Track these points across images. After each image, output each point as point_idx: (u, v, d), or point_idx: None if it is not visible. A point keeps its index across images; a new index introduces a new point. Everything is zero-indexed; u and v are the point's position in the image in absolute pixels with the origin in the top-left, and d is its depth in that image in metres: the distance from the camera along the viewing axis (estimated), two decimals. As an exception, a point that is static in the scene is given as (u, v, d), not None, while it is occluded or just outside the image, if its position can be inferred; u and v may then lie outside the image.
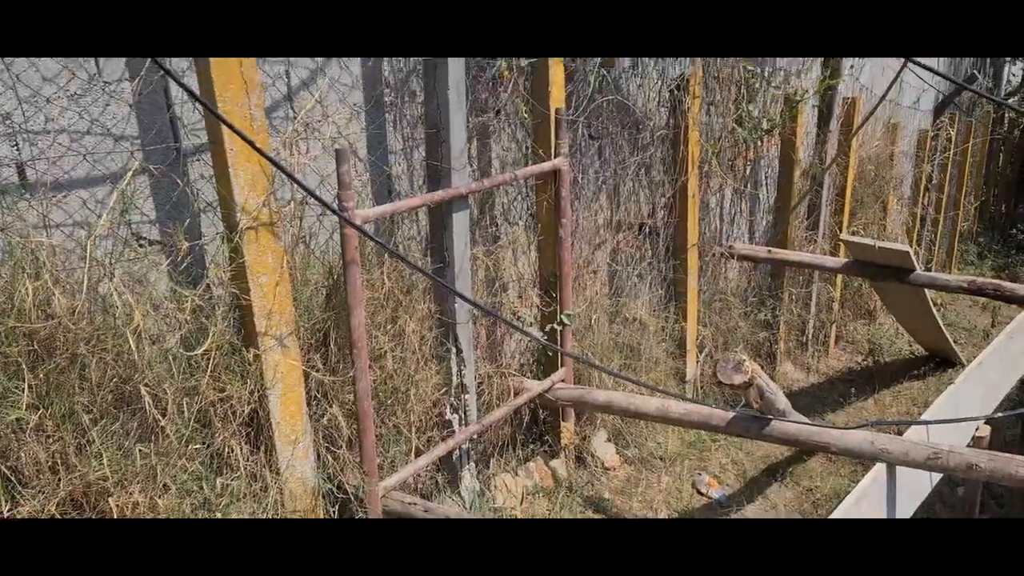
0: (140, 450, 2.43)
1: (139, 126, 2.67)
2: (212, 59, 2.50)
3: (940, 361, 7.12)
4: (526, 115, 4.02)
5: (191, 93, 2.50)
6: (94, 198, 2.59)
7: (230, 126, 2.34)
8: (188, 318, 2.65)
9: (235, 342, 2.79)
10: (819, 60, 6.30)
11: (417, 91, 3.61)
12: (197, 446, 2.63)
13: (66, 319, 2.27)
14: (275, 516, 2.83)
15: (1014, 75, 12.05)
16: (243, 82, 2.59)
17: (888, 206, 7.84)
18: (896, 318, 7.22)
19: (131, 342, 2.40)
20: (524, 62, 3.87)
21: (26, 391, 2.19)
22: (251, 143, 2.44)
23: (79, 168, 2.56)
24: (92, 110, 2.55)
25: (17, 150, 2.39)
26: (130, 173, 2.56)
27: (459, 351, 3.72)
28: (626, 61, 4.57)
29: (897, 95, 7.59)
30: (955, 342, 7.16)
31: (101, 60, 2.52)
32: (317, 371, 3.09)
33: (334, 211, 2.79)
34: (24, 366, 2.21)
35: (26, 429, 2.21)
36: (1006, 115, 11.04)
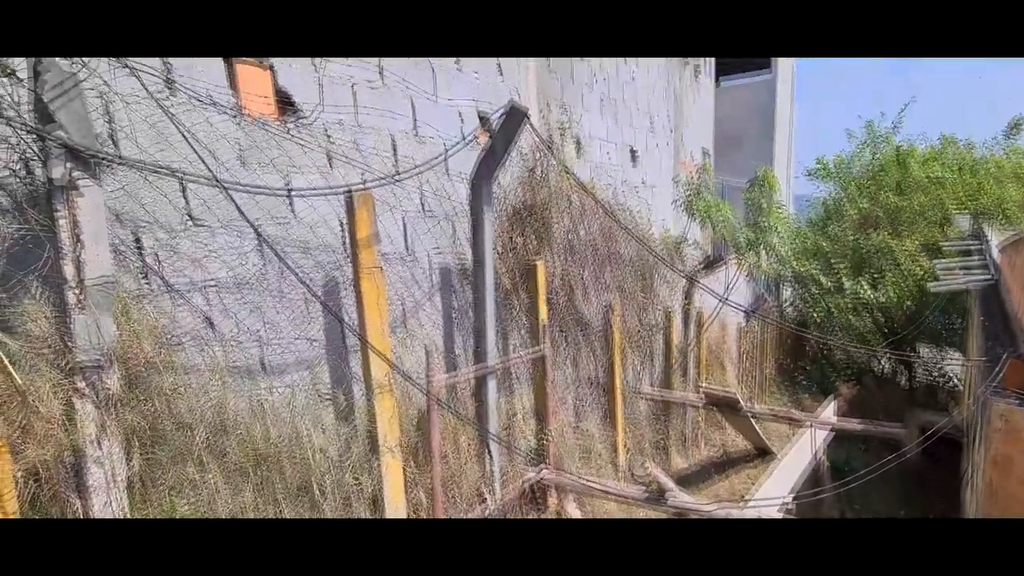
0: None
1: (326, 336, 2.93)
2: (365, 305, 2.78)
3: (763, 453, 7.04)
4: (527, 323, 4.31)
5: (349, 329, 2.77)
6: (299, 374, 2.82)
7: (372, 348, 2.59)
8: (341, 441, 2.80)
9: (366, 455, 2.87)
10: (683, 291, 6.68)
11: (470, 315, 3.90)
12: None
13: (276, 444, 2.42)
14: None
15: (786, 296, 12.48)
16: (379, 311, 2.85)
17: (725, 366, 8.01)
18: (735, 429, 7.20)
19: (309, 455, 2.54)
20: (526, 298, 4.20)
21: (251, 486, 2.31)
22: (383, 357, 2.64)
23: (292, 359, 2.81)
24: (303, 327, 2.84)
25: (262, 351, 2.66)
26: (314, 363, 2.82)
27: (490, 454, 3.79)
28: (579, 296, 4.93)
29: (725, 311, 7.98)
30: (770, 442, 7.11)
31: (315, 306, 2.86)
32: (411, 468, 3.17)
33: (419, 387, 2.99)
34: (250, 471, 2.33)
35: (248, 510, 2.30)
36: (786, 315, 11.41)
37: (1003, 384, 2.99)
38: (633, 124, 6.46)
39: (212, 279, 2.42)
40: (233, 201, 2.12)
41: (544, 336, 4.16)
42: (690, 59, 8.17)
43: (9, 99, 1.76)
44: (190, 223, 2.34)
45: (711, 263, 6.49)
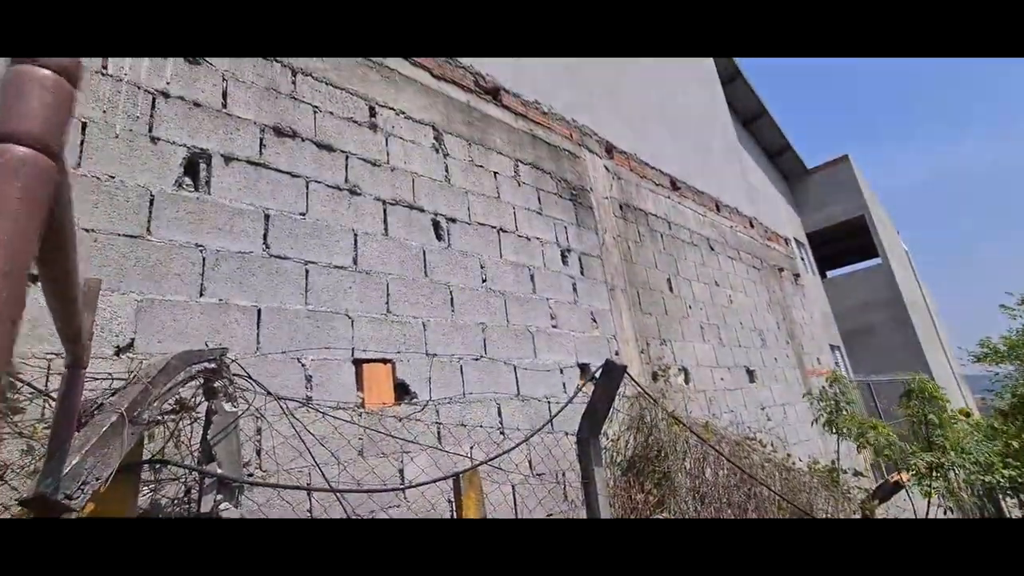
0: None
1: None
2: None
3: None
4: None
5: None
6: None
7: None
8: None
9: None
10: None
11: None
12: None
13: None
14: None
15: (1007, 509, 9.62)
16: None
17: None
18: None
19: None
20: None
21: None
22: None
23: None
24: None
25: None
26: None
27: None
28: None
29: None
30: None
31: None
32: None
33: None
34: None
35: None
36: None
37: None
38: (741, 343, 6.25)
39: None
40: (343, 505, 2.21)
41: None
42: (785, 268, 8.18)
43: (187, 440, 2.13)
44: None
45: (885, 492, 5.31)
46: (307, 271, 2.82)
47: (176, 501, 2.13)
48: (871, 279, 14.61)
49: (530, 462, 3.47)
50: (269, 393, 2.35)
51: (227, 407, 2.13)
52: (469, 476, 2.78)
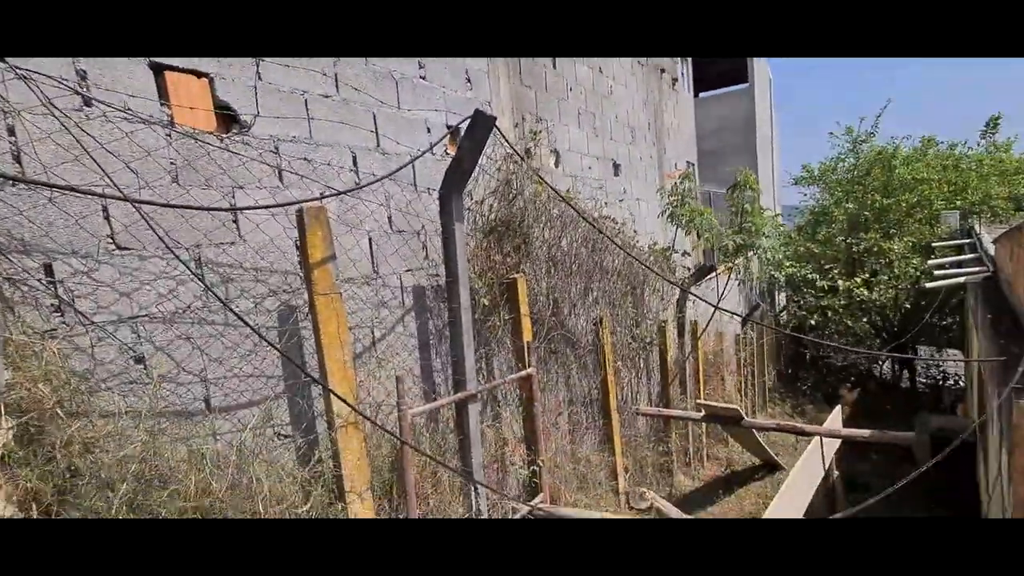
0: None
1: (283, 369, 2.63)
2: (322, 333, 2.50)
3: (771, 467, 6.68)
4: (511, 345, 4.01)
5: (298, 367, 2.47)
6: (251, 413, 2.50)
7: (321, 383, 2.29)
8: (300, 488, 2.46)
9: (331, 500, 2.52)
10: (675, 302, 6.42)
11: (447, 337, 3.59)
12: None
13: (218, 496, 2.09)
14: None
15: (780, 301, 12.27)
16: (339, 340, 2.56)
17: (724, 377, 7.68)
18: (740, 443, 6.85)
19: (260, 506, 2.21)
20: (507, 316, 3.91)
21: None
22: (341, 398, 2.34)
23: (243, 396, 2.50)
24: (255, 362, 2.54)
25: (206, 389, 2.35)
26: (269, 400, 2.51)
27: (476, 489, 3.45)
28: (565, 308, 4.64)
29: (720, 320, 7.70)
30: (776, 455, 6.76)
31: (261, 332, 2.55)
32: (385, 512, 2.83)
33: (379, 426, 2.68)
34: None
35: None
36: (781, 321, 11.16)
37: (1027, 382, 2.69)
38: (613, 137, 6.28)
39: (143, 313, 2.13)
40: (147, 221, 1.84)
41: (530, 356, 3.86)
42: (666, 70, 8.08)
43: None
44: (114, 249, 2.05)
45: (701, 272, 6.23)
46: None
47: None
48: (733, 102, 15.42)
49: (389, 217, 3.28)
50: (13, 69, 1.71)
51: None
52: (315, 211, 2.51)
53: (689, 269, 6.39)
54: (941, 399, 11.06)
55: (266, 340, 2.16)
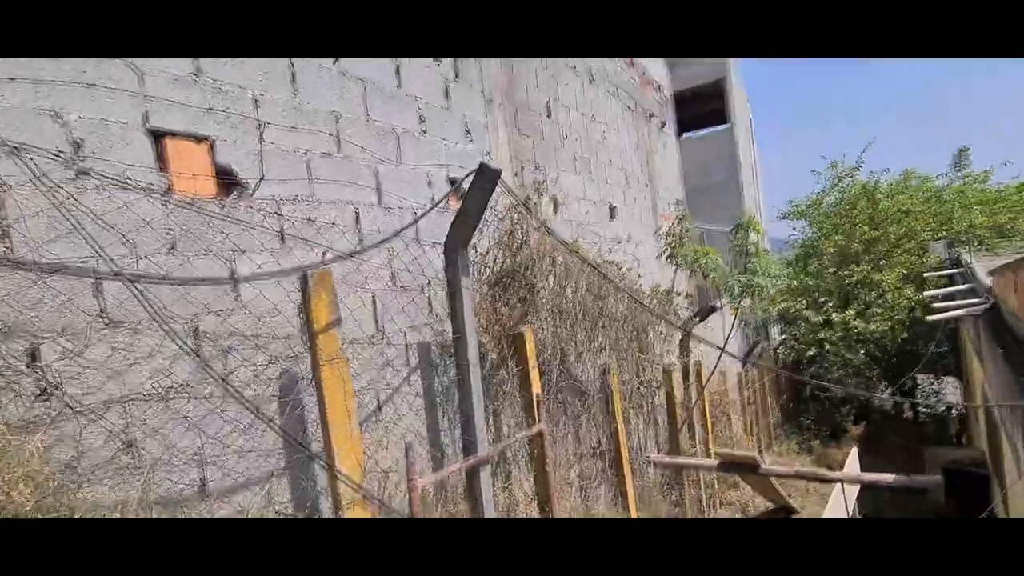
0: None
1: (284, 444, 2.44)
2: (327, 403, 2.34)
3: (785, 510, 6.43)
4: (520, 398, 3.85)
5: (314, 457, 2.31)
6: (253, 493, 2.30)
7: (336, 472, 2.12)
8: None
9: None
10: (678, 344, 6.31)
11: (455, 395, 3.43)
12: None
13: None
14: None
15: (775, 336, 12.23)
16: (343, 407, 2.40)
17: (731, 418, 7.51)
18: (753, 488, 6.60)
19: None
20: (515, 369, 3.76)
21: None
22: (347, 481, 2.17)
23: (242, 476, 2.30)
24: (255, 437, 2.36)
25: (202, 471, 2.16)
26: (271, 478, 2.33)
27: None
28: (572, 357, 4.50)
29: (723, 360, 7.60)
30: (789, 495, 6.52)
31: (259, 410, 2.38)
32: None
33: (387, 506, 2.49)
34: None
35: None
36: (779, 355, 11.08)
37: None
38: (608, 180, 6.32)
39: (134, 394, 1.97)
40: (138, 298, 1.71)
41: (540, 411, 3.68)
42: (655, 115, 8.26)
43: None
44: (103, 329, 1.91)
45: (704, 313, 6.16)
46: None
47: None
48: (716, 142, 15.83)
49: (392, 273, 3.17)
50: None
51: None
52: (320, 275, 2.40)
53: (693, 312, 6.33)
54: (947, 429, 10.92)
55: (262, 418, 2.00)
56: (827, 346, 10.20)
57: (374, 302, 3.02)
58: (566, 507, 4.01)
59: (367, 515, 2.40)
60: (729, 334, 5.97)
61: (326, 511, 2.43)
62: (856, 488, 5.11)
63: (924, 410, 11.72)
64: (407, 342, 3.19)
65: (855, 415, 11.04)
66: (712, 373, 6.23)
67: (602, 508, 4.53)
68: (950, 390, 11.81)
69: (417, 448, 3.08)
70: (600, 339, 4.85)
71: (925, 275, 8.92)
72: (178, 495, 2.05)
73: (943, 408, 11.39)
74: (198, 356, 2.08)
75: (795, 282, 10.98)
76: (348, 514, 2.33)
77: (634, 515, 4.75)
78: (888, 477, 4.11)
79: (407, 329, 3.20)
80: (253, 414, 2.05)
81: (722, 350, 4.92)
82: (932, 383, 12.04)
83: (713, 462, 5.23)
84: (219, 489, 2.17)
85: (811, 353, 10.41)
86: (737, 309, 5.80)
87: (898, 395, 11.96)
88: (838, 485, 4.74)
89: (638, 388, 5.36)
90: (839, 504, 4.66)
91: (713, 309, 6.36)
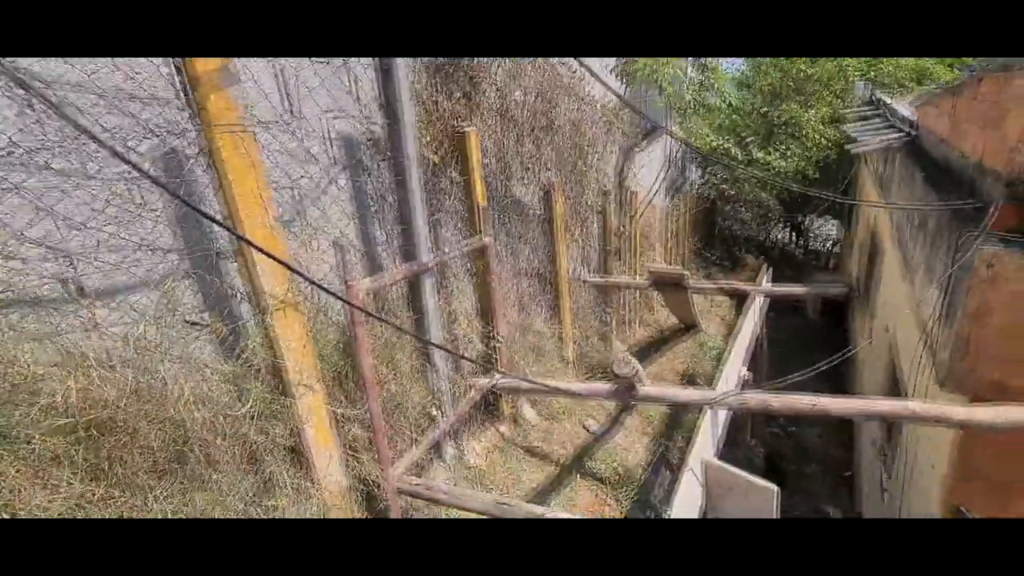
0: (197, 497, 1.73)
1: (184, 240, 1.96)
2: (235, 188, 1.83)
3: (691, 328, 7.13)
4: (463, 209, 3.48)
5: (217, 222, 1.83)
6: (148, 298, 1.86)
7: (248, 242, 1.67)
8: (231, 385, 1.97)
9: (272, 396, 2.08)
10: (619, 173, 6.07)
11: (392, 200, 3.00)
12: (247, 482, 1.93)
13: (115, 405, 1.55)
14: (317, 515, 2.17)
15: (691, 171, 12.39)
16: (257, 195, 1.92)
17: (655, 247, 7.78)
18: (668, 308, 7.14)
19: (182, 411, 1.71)
20: (458, 176, 3.33)
21: (80, 473, 1.46)
22: (265, 252, 1.79)
23: (133, 276, 1.83)
24: (141, 230, 1.84)
25: (72, 267, 1.66)
26: (170, 278, 1.88)
27: (435, 369, 3.14)
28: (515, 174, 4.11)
29: (654, 192, 7.55)
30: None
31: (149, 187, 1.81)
32: (340, 403, 2.44)
33: (336, 296, 2.17)
34: (75, 451, 1.46)
35: (93, 500, 1.47)
36: (697, 194, 11.45)
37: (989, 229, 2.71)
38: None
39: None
40: None
41: (484, 222, 3.37)
42: None
43: None
44: None
45: (648, 133, 5.84)
46: None
47: None
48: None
49: (304, 37, 2.42)
50: None
51: None
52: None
53: (639, 130, 5.97)
54: (828, 262, 12.37)
55: (152, 179, 1.48)
56: (746, 186, 10.58)
57: (283, 75, 2.32)
58: (509, 319, 3.98)
59: (301, 319, 2.08)
60: (669, 159, 5.79)
61: (246, 315, 2.07)
62: (763, 303, 5.61)
63: (811, 247, 13.05)
64: (328, 130, 2.58)
65: (757, 251, 12.05)
66: (651, 200, 6.19)
67: (540, 323, 4.60)
68: (830, 227, 13.19)
69: (352, 257, 2.70)
70: (545, 153, 4.43)
71: (844, 113, 9.09)
72: (40, 295, 1.56)
73: (829, 244, 12.73)
74: (52, 106, 1.43)
75: (728, 121, 10.89)
76: (278, 318, 1.99)
77: (568, 330, 4.91)
78: (800, 289, 4.43)
79: (327, 115, 2.57)
80: (149, 185, 1.52)
81: (657, 178, 4.74)
82: (821, 225, 13.30)
83: (643, 282, 5.42)
84: (100, 289, 1.71)
85: (731, 192, 10.80)
86: (681, 130, 5.50)
87: (792, 232, 13.15)
88: (756, 301, 5.15)
89: (577, 211, 5.18)
90: (752, 316, 5.11)
91: (656, 129, 6.05)
